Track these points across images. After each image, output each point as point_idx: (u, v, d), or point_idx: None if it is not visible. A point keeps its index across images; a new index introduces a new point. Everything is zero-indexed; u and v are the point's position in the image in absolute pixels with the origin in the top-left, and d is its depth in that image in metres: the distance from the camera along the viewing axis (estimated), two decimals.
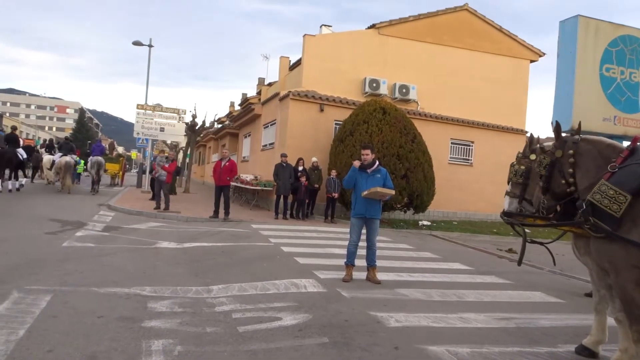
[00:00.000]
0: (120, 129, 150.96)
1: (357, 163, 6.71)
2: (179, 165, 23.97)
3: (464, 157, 18.38)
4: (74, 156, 19.26)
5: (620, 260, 3.41)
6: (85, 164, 22.00)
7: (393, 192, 6.62)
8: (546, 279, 8.00)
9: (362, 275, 6.89)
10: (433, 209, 15.92)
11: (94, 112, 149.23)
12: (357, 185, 6.69)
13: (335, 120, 16.26)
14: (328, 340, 4.11)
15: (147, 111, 21.11)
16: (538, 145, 4.17)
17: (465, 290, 6.53)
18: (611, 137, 7.67)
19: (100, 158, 18.66)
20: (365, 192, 6.46)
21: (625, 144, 4.02)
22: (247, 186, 16.98)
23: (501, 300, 6.19)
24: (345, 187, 7.10)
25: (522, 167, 4.19)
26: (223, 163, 12.79)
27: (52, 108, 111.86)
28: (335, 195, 13.91)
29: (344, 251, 7.17)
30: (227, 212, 12.71)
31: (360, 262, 7.43)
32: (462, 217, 17.73)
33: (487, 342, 4.37)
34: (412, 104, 18.40)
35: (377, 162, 6.79)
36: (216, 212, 12.72)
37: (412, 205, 14.47)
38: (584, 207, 3.55)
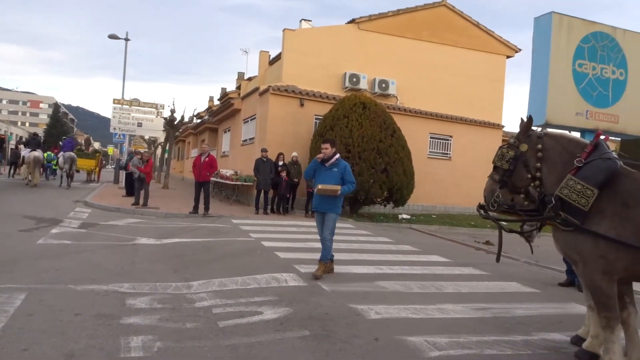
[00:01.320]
0: (97, 124, 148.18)
1: (319, 157, 6.66)
2: (156, 164, 23.74)
3: (443, 152, 18.58)
4: (50, 153, 19.03)
5: (589, 252, 3.52)
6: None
7: (338, 187, 6.36)
8: (522, 270, 8.17)
9: (342, 269, 6.95)
10: (412, 202, 16.07)
11: (69, 107, 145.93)
12: (315, 178, 6.65)
13: (315, 115, 16.25)
14: (309, 333, 4.14)
15: (124, 106, 20.81)
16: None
17: (444, 281, 6.64)
18: (583, 131, 7.89)
19: (72, 153, 18.57)
20: (316, 190, 6.50)
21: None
22: (227, 181, 16.88)
23: (478, 291, 6.31)
24: (305, 178, 7.02)
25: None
26: (203, 158, 12.69)
27: (25, 103, 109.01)
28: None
29: None
30: (207, 208, 12.62)
31: (342, 256, 7.48)
32: (441, 211, 17.94)
33: (464, 332, 4.46)
34: (392, 99, 18.52)
35: (337, 156, 6.63)
36: (196, 207, 12.62)
37: (392, 199, 14.59)
38: (553, 202, 3.63)
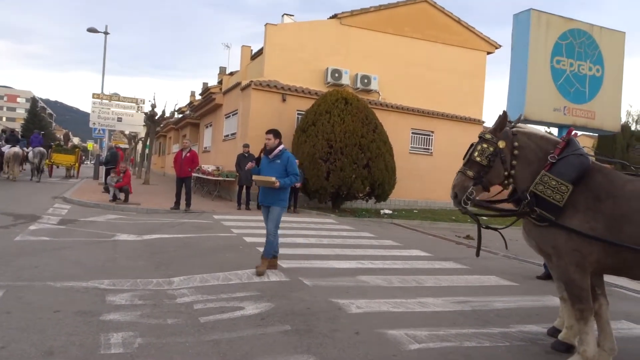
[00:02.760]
0: (76, 119, 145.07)
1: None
2: (137, 159, 23.41)
3: (424, 147, 18.74)
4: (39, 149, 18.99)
5: (563, 246, 3.59)
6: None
7: (272, 179, 6.09)
8: (501, 264, 8.32)
9: (324, 264, 6.99)
10: (394, 197, 16.18)
11: (47, 101, 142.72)
12: (260, 171, 6.46)
13: (297, 110, 16.23)
14: (290, 328, 4.16)
15: (104, 101, 20.48)
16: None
17: (425, 275, 6.72)
18: (561, 126, 8.02)
19: (41, 148, 18.83)
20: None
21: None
22: (209, 177, 16.77)
23: (458, 284, 6.41)
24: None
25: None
26: (184, 154, 12.59)
27: (1, 97, 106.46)
28: (298, 185, 13.92)
29: (306, 241, 7.24)
30: (188, 203, 12.54)
31: (323, 251, 7.52)
32: (422, 206, 18.10)
33: (444, 325, 4.54)
34: (374, 94, 18.57)
35: (280, 148, 6.42)
36: (177, 203, 12.53)
37: (374, 194, 14.68)
38: (528, 198, 3.67)
